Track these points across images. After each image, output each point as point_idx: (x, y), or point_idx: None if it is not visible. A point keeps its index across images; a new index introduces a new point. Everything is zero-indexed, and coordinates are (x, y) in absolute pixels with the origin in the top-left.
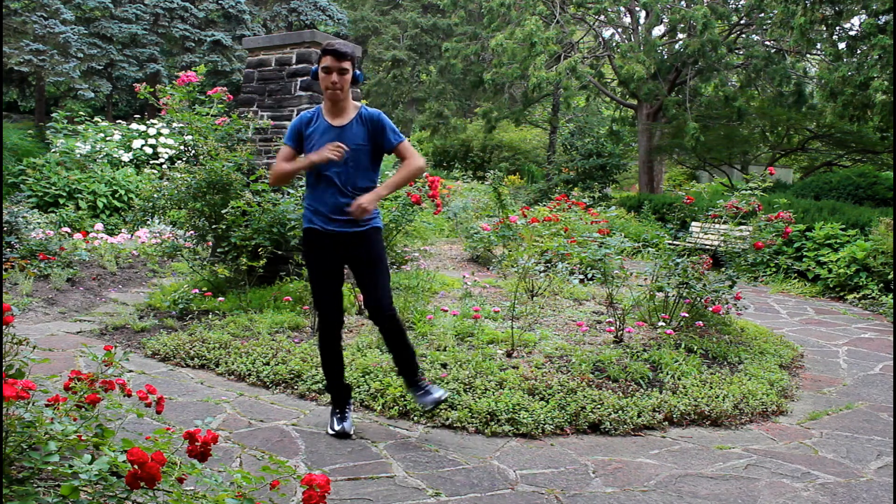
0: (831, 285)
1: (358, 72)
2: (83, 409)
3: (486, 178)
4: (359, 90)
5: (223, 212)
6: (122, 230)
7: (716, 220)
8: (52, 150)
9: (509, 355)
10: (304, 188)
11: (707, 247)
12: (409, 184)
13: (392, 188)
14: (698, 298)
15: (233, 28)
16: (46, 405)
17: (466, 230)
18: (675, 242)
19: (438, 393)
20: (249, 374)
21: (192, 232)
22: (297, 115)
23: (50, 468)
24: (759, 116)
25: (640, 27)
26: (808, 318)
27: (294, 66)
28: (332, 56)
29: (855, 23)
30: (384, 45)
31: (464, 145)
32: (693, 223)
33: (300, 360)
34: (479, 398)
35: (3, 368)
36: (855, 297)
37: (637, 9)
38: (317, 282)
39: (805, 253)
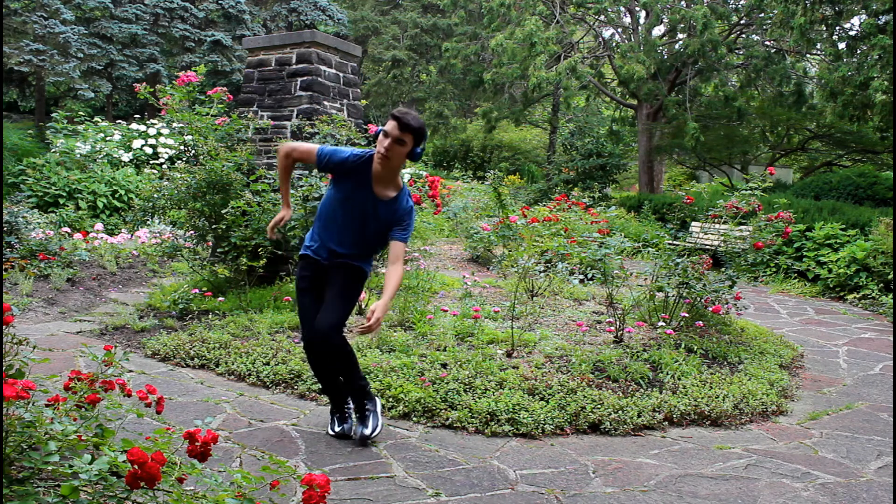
0: (831, 285)
1: (419, 149)
2: (83, 409)
3: (486, 178)
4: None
5: (223, 212)
6: (122, 230)
7: (716, 220)
8: (52, 150)
9: (509, 355)
10: (303, 188)
11: (707, 247)
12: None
13: (392, 297)
14: (698, 298)
15: (233, 28)
16: (46, 405)
17: (466, 230)
18: (675, 242)
19: (368, 430)
20: (249, 374)
21: (192, 232)
22: (297, 115)
23: (50, 468)
24: (759, 116)
25: (640, 27)
26: (808, 318)
27: (294, 66)
28: (397, 124)
29: (855, 23)
30: (384, 45)
31: (464, 145)
32: (693, 223)
33: (300, 360)
34: (479, 398)
35: (3, 368)
36: (855, 297)
37: (637, 9)
38: (303, 305)
39: (805, 253)
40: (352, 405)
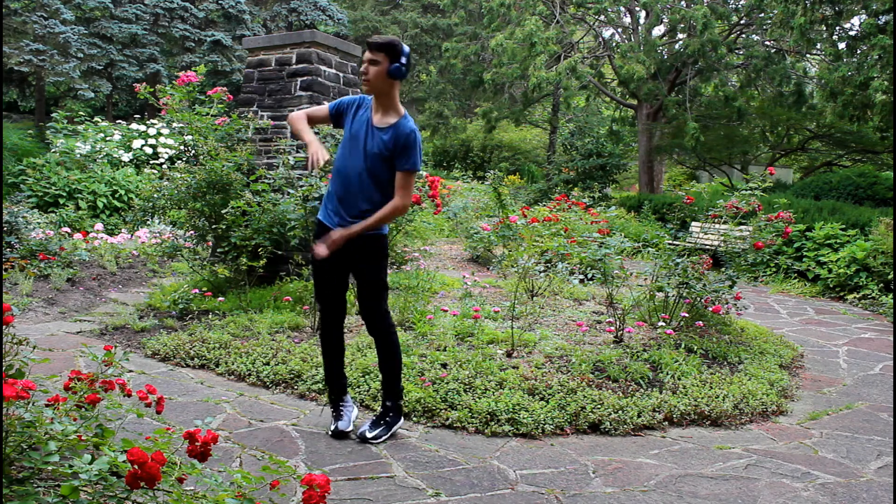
0: (831, 285)
1: (396, 65)
2: (83, 409)
3: (486, 178)
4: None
5: (223, 212)
6: (122, 230)
7: (716, 220)
8: (52, 150)
9: (509, 355)
10: (304, 189)
11: (707, 247)
12: (386, 222)
13: (364, 227)
14: (698, 298)
15: (233, 28)
16: (46, 405)
17: (466, 230)
18: (675, 242)
19: (370, 434)
20: (249, 374)
21: (192, 232)
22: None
23: (50, 468)
24: (759, 116)
25: (640, 27)
26: (808, 318)
27: (294, 66)
28: (367, 47)
29: (855, 23)
30: None
31: (464, 145)
32: (693, 223)
33: (300, 360)
34: (479, 398)
35: (3, 368)
36: (855, 297)
37: (637, 9)
38: (318, 276)
39: (805, 253)
40: (346, 405)
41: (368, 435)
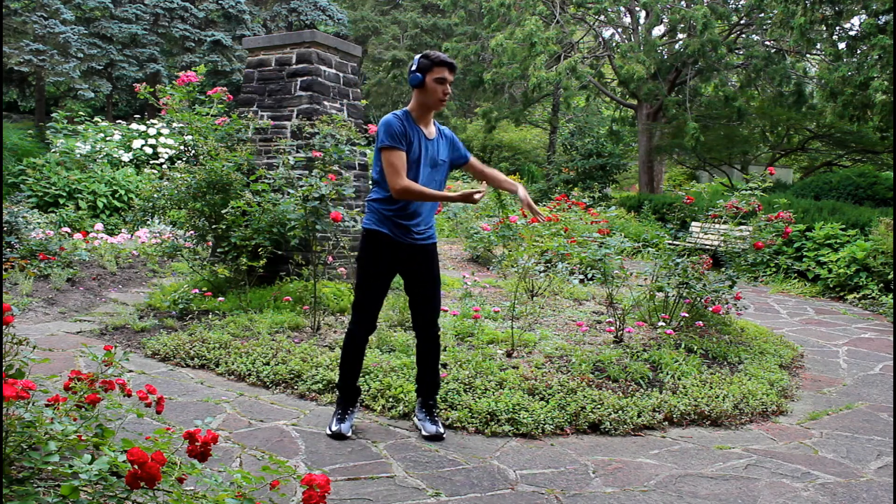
0: (831, 285)
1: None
2: (83, 409)
3: None
4: (359, 90)
5: (223, 212)
6: (122, 230)
7: (716, 220)
8: (52, 150)
9: (509, 355)
10: (304, 189)
11: (707, 247)
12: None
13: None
14: (698, 298)
15: (233, 28)
16: (46, 405)
17: (466, 230)
18: (675, 242)
19: (441, 429)
20: (249, 374)
21: (192, 232)
22: (297, 115)
23: (50, 468)
24: (759, 116)
25: (640, 27)
26: (808, 318)
27: (294, 66)
28: (450, 69)
29: (855, 23)
30: (384, 45)
31: (464, 145)
32: (693, 223)
33: (300, 360)
34: (479, 398)
35: (3, 368)
36: (855, 297)
37: (637, 9)
38: (372, 289)
39: (805, 253)
40: (354, 412)
41: (441, 430)
